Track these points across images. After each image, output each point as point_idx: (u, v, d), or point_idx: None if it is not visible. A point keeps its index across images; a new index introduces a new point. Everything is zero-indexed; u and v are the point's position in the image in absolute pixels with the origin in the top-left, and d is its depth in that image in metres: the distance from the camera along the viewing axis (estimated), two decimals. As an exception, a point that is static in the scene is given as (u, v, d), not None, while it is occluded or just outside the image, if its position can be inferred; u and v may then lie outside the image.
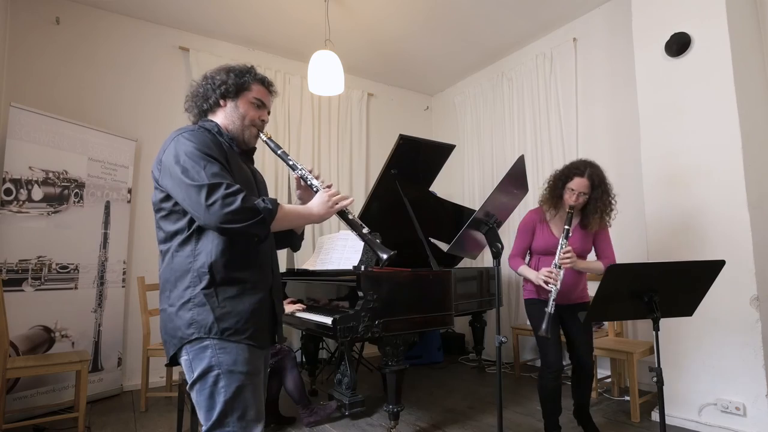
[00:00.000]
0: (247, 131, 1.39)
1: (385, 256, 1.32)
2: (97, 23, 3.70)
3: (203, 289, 1.21)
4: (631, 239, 3.26)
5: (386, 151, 3.03)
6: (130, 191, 3.63)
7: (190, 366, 1.23)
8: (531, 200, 4.17)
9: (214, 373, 1.20)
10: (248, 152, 1.46)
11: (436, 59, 4.74)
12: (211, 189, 1.15)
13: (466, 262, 4.20)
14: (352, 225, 1.37)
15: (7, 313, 2.53)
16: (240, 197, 1.16)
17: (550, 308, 2.07)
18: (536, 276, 2.20)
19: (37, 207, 3.01)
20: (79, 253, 3.22)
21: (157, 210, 1.30)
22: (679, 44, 2.74)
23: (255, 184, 1.42)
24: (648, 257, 2.91)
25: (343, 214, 1.37)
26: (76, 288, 3.20)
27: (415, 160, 3.10)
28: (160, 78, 3.95)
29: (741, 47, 2.64)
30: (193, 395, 1.23)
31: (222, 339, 1.21)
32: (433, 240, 3.47)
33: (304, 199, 1.49)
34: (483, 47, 4.48)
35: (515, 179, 2.13)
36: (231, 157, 1.30)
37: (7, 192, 2.88)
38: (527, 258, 2.45)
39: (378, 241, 1.36)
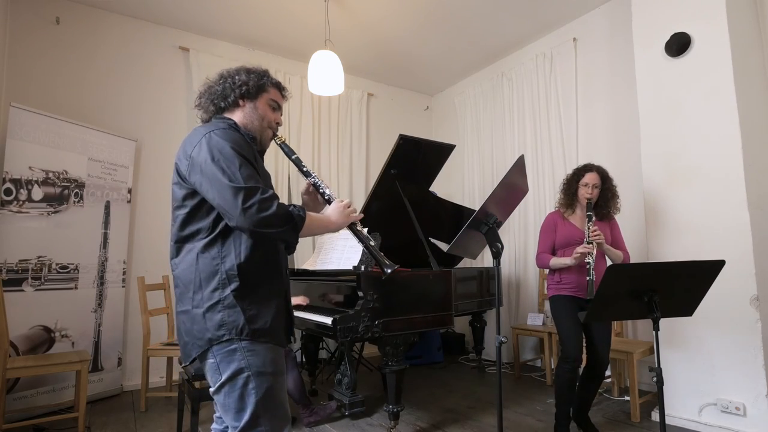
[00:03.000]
0: (265, 133, 1.41)
1: (388, 271, 1.41)
2: (97, 23, 3.70)
3: (233, 291, 1.22)
4: (631, 239, 3.25)
5: (386, 151, 3.03)
6: (130, 191, 3.63)
7: (217, 368, 1.22)
8: (531, 200, 4.18)
9: (245, 375, 1.21)
10: (261, 153, 1.48)
11: (436, 59, 4.74)
12: (249, 192, 1.16)
13: (466, 262, 4.20)
14: (360, 237, 1.44)
15: (7, 313, 2.53)
16: (276, 203, 1.18)
17: (592, 276, 2.27)
18: (571, 258, 2.38)
19: (37, 207, 3.01)
20: (79, 253, 3.22)
21: (179, 207, 1.29)
22: (679, 44, 2.74)
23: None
24: (648, 257, 2.91)
25: (352, 225, 1.43)
26: (76, 288, 3.20)
27: (415, 160, 3.10)
28: (160, 78, 3.95)
29: (741, 47, 2.64)
30: (219, 398, 1.24)
31: (252, 341, 1.22)
32: (433, 240, 3.47)
33: (309, 205, 1.52)
34: (483, 47, 4.48)
35: (515, 179, 2.13)
36: (256, 156, 1.33)
37: (7, 192, 2.88)
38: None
39: (382, 254, 1.41)
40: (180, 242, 1.30)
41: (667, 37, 2.79)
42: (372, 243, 1.44)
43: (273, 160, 4.26)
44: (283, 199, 1.39)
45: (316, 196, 1.51)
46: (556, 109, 4.05)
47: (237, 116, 1.38)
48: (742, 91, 2.56)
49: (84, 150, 3.30)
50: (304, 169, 1.48)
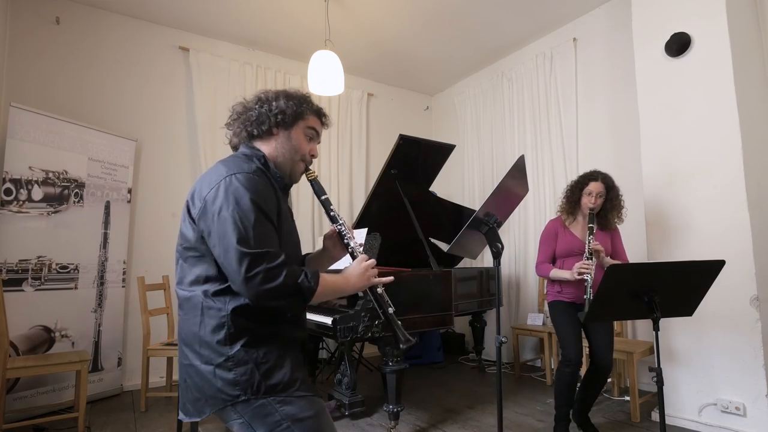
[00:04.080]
0: (296, 166, 1.30)
1: (403, 347, 1.27)
2: (97, 23, 3.70)
3: (243, 345, 1.12)
4: (631, 239, 3.24)
5: (386, 151, 3.03)
6: (130, 191, 3.63)
7: (249, 426, 1.13)
8: (531, 200, 4.18)
9: (284, 426, 1.12)
10: (288, 186, 1.37)
11: (436, 59, 4.74)
12: (255, 260, 1.05)
13: (466, 262, 4.20)
14: (379, 301, 1.30)
15: (7, 313, 2.53)
16: (284, 273, 1.07)
17: (589, 295, 2.25)
18: (571, 272, 2.35)
19: (37, 207, 3.01)
20: (79, 253, 3.22)
21: (186, 247, 1.18)
22: (679, 44, 2.74)
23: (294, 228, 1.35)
24: (648, 257, 2.91)
25: (371, 286, 1.29)
26: (76, 288, 3.20)
27: (415, 160, 3.10)
28: (160, 78, 3.95)
29: (741, 47, 2.64)
30: None
31: (275, 395, 1.13)
32: (433, 240, 3.47)
33: (329, 248, 1.43)
34: (483, 47, 4.48)
35: (515, 179, 2.13)
36: (280, 203, 1.22)
37: (7, 192, 2.88)
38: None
39: (399, 323, 1.28)
40: (183, 285, 1.20)
41: (667, 37, 2.79)
42: (392, 310, 1.29)
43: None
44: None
45: (339, 242, 1.39)
46: (556, 109, 4.05)
47: (268, 147, 1.27)
48: (742, 91, 2.56)
49: (84, 150, 3.30)
50: (332, 213, 1.34)
